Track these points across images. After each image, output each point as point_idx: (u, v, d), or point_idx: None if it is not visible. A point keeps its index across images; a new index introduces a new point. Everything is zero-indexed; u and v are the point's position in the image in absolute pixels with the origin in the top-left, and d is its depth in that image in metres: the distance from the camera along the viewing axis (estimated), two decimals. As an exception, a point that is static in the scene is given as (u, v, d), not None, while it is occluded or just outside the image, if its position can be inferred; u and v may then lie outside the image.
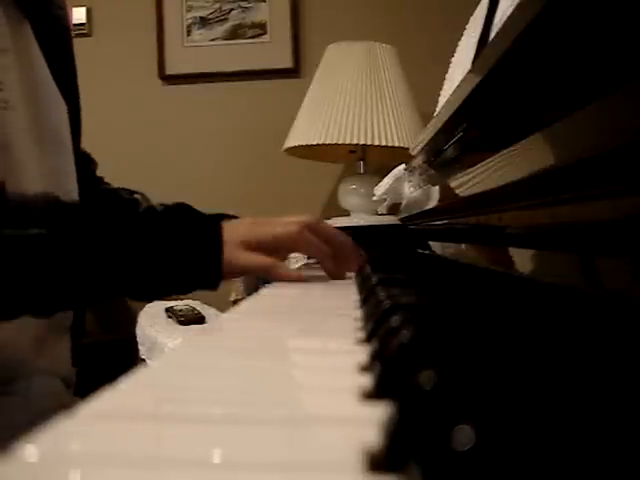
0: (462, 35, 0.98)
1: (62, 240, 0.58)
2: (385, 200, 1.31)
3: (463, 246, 0.67)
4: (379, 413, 0.19)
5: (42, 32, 0.76)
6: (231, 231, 0.65)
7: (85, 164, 0.86)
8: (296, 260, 1.57)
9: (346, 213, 1.74)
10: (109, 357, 1.71)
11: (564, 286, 0.35)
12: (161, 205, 0.87)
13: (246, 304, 0.49)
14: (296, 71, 2.01)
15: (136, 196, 0.90)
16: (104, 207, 0.88)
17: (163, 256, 0.62)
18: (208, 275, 0.64)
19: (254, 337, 0.36)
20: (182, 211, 0.82)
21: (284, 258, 0.72)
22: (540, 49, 0.40)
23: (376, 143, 1.59)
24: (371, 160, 1.75)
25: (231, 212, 0.76)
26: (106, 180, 0.94)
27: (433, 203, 0.78)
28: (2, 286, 0.56)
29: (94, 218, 0.63)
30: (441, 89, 1.07)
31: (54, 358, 0.75)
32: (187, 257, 0.63)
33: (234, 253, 0.64)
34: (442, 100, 1.01)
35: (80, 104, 0.83)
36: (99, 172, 0.94)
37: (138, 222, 0.65)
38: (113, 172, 0.98)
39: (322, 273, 0.74)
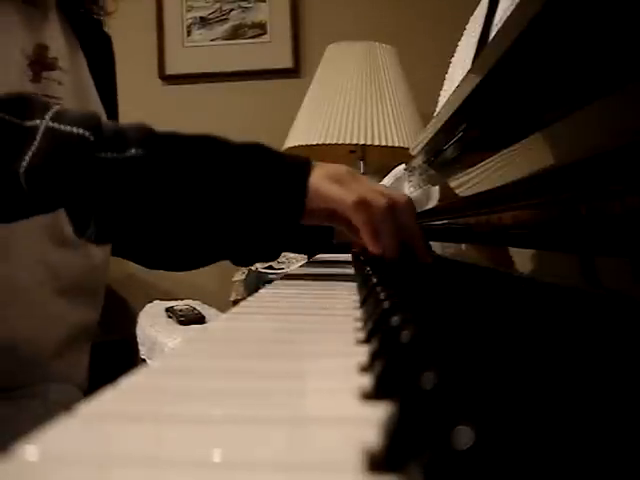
0: (462, 35, 0.98)
1: (159, 161, 0.59)
2: (385, 200, 1.31)
3: (463, 246, 0.67)
4: (379, 413, 0.19)
5: (91, 52, 0.81)
6: (320, 166, 0.63)
7: None
8: (296, 260, 1.57)
9: (346, 213, 1.74)
10: (109, 357, 1.71)
11: (564, 286, 0.35)
12: None
13: (246, 304, 0.49)
14: (296, 71, 2.01)
15: None
16: None
17: (254, 179, 0.60)
18: (293, 199, 0.61)
19: (254, 337, 0.36)
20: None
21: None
22: (540, 49, 0.40)
23: (376, 143, 1.59)
24: (371, 160, 1.75)
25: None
26: None
27: (433, 203, 0.78)
28: (103, 208, 0.57)
29: (190, 145, 0.63)
30: (441, 89, 1.07)
31: (73, 362, 0.76)
32: (274, 181, 0.60)
33: (323, 182, 0.61)
34: (442, 100, 1.01)
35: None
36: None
37: (230, 153, 0.64)
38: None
39: (321, 273, 0.74)
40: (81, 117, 0.58)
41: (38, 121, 0.56)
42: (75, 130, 0.56)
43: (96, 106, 0.80)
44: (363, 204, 0.61)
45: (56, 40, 0.76)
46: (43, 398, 0.70)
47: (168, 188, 0.58)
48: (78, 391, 0.76)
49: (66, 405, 0.71)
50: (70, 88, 0.76)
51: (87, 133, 0.56)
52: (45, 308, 0.73)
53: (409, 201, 0.66)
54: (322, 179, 0.61)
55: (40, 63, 0.73)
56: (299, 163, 0.62)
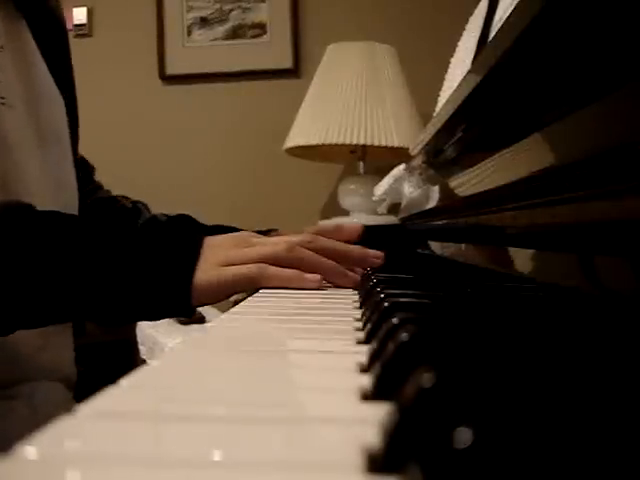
0: (462, 35, 0.98)
1: (15, 250, 0.53)
2: (385, 200, 1.31)
3: (463, 246, 0.67)
4: (379, 413, 0.19)
5: (38, 29, 0.76)
6: (209, 254, 0.58)
7: (83, 169, 0.85)
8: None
9: (346, 213, 1.74)
10: (109, 357, 1.71)
11: (564, 286, 0.35)
12: (163, 216, 0.85)
13: (246, 304, 0.49)
14: (296, 71, 2.01)
15: (138, 205, 0.89)
16: (94, 217, 0.85)
17: (128, 279, 0.55)
18: (177, 302, 0.56)
19: (254, 337, 0.36)
20: (166, 228, 0.75)
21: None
22: (540, 49, 0.40)
23: (376, 143, 1.59)
24: (371, 160, 1.75)
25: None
26: (105, 185, 0.94)
27: (433, 203, 0.78)
28: None
29: (56, 231, 0.56)
30: (441, 89, 1.07)
31: (57, 356, 0.75)
32: (153, 281, 0.56)
33: (211, 272, 0.56)
34: (442, 100, 1.01)
35: (76, 99, 0.83)
36: (99, 176, 0.94)
37: (105, 244, 0.57)
38: (113, 172, 0.99)
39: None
40: None
41: None
42: None
43: (45, 84, 0.76)
44: (262, 266, 0.57)
45: None
46: (28, 399, 0.68)
47: (24, 281, 0.54)
48: (65, 389, 0.75)
49: (52, 404, 0.70)
50: (11, 67, 0.71)
51: None
52: None
53: (311, 240, 0.62)
54: (210, 269, 0.56)
55: None
56: (181, 260, 0.56)
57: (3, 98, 0.68)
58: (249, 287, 0.58)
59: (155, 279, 0.56)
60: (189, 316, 0.59)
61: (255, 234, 0.63)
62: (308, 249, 0.60)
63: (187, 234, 0.61)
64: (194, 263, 0.56)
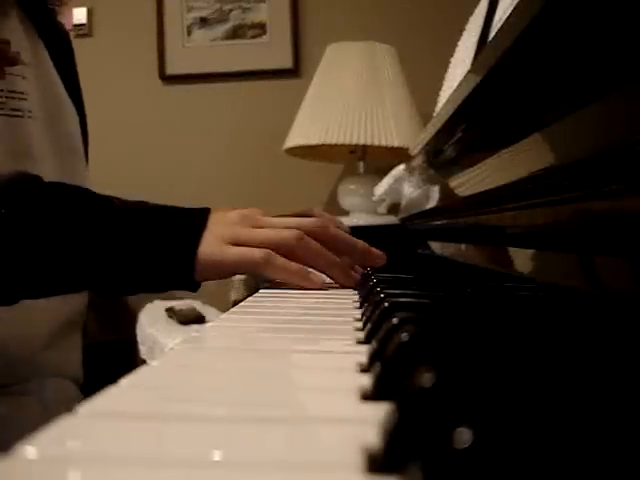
0: (462, 35, 0.98)
1: (21, 221, 0.53)
2: (385, 200, 1.31)
3: (463, 246, 0.67)
4: (379, 413, 0.19)
5: (51, 44, 0.79)
6: (215, 228, 0.57)
7: None
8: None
9: (346, 213, 1.74)
10: (110, 357, 1.71)
11: (564, 286, 0.35)
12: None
13: (246, 304, 0.49)
14: (296, 71, 2.01)
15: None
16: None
17: (131, 247, 0.55)
18: (180, 274, 0.56)
19: (254, 337, 0.36)
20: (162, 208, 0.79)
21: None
22: (539, 49, 0.40)
23: (376, 143, 1.59)
24: (371, 160, 1.75)
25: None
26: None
27: (433, 203, 0.78)
28: None
29: (63, 200, 0.56)
30: (441, 89, 1.07)
31: (65, 356, 0.76)
32: (157, 250, 0.55)
33: (216, 248, 0.55)
34: (442, 100, 1.01)
35: (85, 113, 0.85)
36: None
37: (111, 213, 0.57)
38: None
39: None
40: None
41: None
42: None
43: (62, 98, 0.78)
44: (271, 254, 0.55)
45: (16, 33, 0.74)
46: (39, 395, 0.69)
47: (30, 250, 0.54)
48: (74, 386, 0.75)
49: (63, 401, 0.70)
50: (34, 82, 0.74)
51: None
52: (35, 301, 0.72)
53: (322, 228, 0.60)
54: (215, 244, 0.55)
55: (2, 58, 0.71)
56: (186, 231, 0.56)
57: (30, 112, 0.71)
58: (251, 271, 0.57)
59: (159, 248, 0.55)
60: (194, 290, 0.58)
61: (261, 211, 0.62)
62: (317, 235, 0.59)
63: (194, 207, 0.61)
64: (199, 235, 0.56)
